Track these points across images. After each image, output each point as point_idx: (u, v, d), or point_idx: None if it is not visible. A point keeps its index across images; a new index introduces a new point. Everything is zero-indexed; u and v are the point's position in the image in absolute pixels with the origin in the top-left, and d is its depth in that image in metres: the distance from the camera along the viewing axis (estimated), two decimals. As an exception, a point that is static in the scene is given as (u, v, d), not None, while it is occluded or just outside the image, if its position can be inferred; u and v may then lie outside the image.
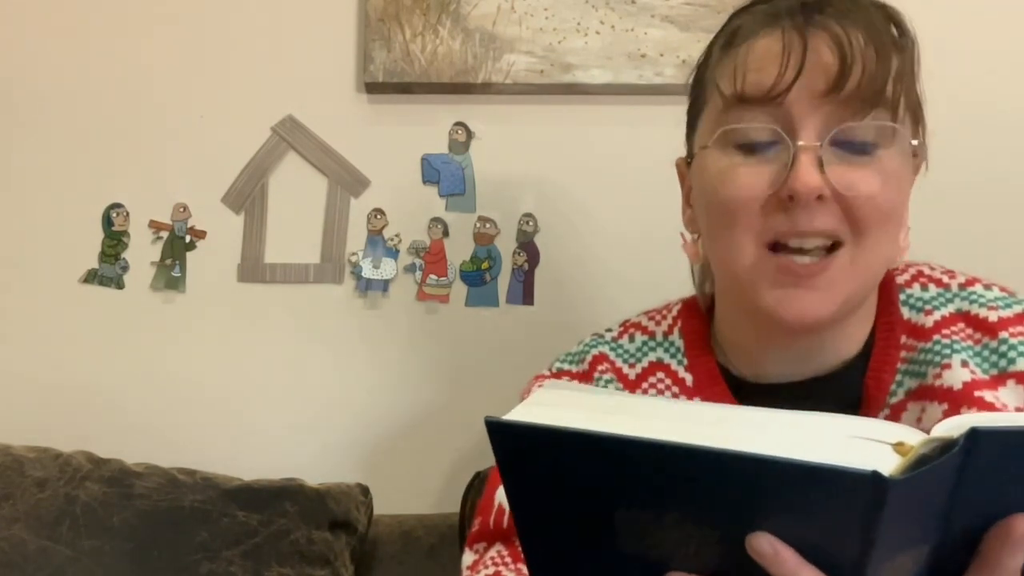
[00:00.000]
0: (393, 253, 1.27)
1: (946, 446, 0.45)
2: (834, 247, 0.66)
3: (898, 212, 0.69)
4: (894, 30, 0.68)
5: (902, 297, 0.74)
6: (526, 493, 0.54)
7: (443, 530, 1.16)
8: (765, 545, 0.48)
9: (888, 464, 0.44)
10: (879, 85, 0.65)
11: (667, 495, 0.49)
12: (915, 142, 0.69)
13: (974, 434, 0.44)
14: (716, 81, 0.70)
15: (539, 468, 0.52)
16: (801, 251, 0.66)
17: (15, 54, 1.29)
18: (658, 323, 0.82)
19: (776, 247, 0.67)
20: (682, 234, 0.80)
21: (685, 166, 0.78)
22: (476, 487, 1.12)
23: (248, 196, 1.28)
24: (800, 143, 0.65)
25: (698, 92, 0.75)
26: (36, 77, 1.29)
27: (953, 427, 0.45)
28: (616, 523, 0.51)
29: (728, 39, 0.71)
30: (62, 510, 1.07)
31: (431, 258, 1.27)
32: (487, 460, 1.20)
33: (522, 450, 0.52)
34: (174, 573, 1.05)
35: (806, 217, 0.65)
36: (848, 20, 0.66)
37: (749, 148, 0.67)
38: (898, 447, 0.46)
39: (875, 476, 0.43)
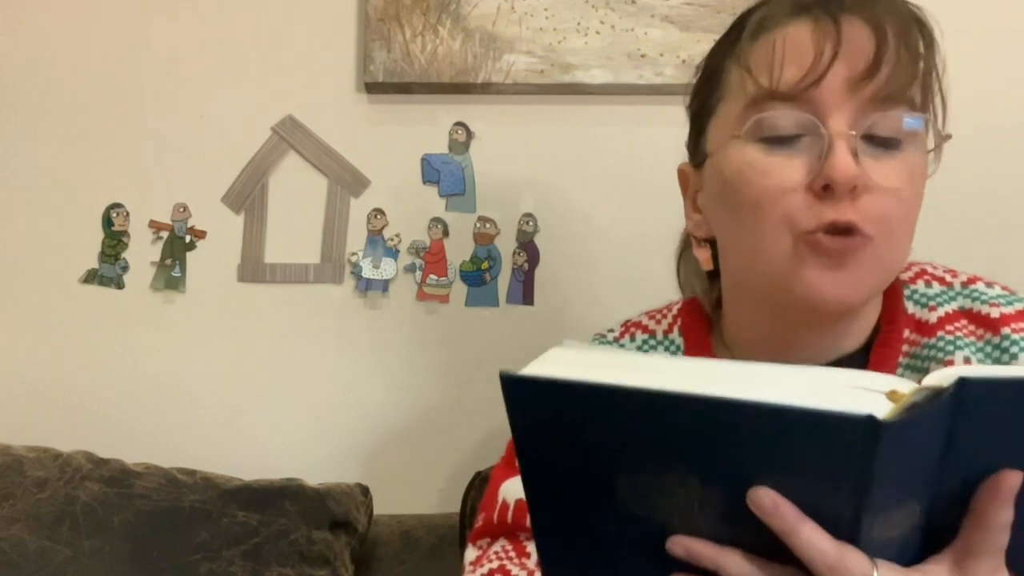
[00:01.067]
0: (393, 253, 1.27)
1: (937, 394, 0.46)
2: (863, 239, 0.66)
3: (917, 212, 0.69)
4: (921, 26, 0.68)
5: (906, 292, 0.74)
6: (537, 453, 0.55)
7: (443, 530, 1.16)
8: (765, 499, 0.48)
9: (881, 410, 0.46)
10: (912, 74, 0.65)
11: (672, 448, 0.50)
12: (948, 135, 0.69)
13: (963, 382, 0.46)
14: (741, 72, 0.69)
15: (551, 424, 0.53)
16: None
17: (15, 54, 1.29)
18: (658, 322, 0.82)
19: (807, 236, 0.66)
20: (692, 236, 0.79)
21: (691, 170, 0.77)
22: (476, 487, 1.12)
23: (248, 196, 1.28)
24: (834, 131, 0.64)
25: (711, 90, 0.73)
26: (36, 77, 1.29)
27: (944, 376, 0.47)
28: (622, 484, 0.52)
29: (755, 29, 0.69)
30: (62, 510, 1.07)
31: (431, 258, 1.27)
32: (487, 460, 1.21)
33: (535, 405, 0.53)
34: (174, 573, 1.05)
35: (840, 208, 0.64)
36: (877, 8, 0.66)
37: (779, 140, 0.66)
38: (891, 395, 0.47)
39: (870, 419, 0.44)
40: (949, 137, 0.69)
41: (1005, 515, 0.50)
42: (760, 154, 0.67)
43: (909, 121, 0.66)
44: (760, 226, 0.67)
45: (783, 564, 0.50)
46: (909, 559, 0.51)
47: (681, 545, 0.52)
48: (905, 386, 0.48)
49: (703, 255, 0.77)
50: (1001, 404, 0.48)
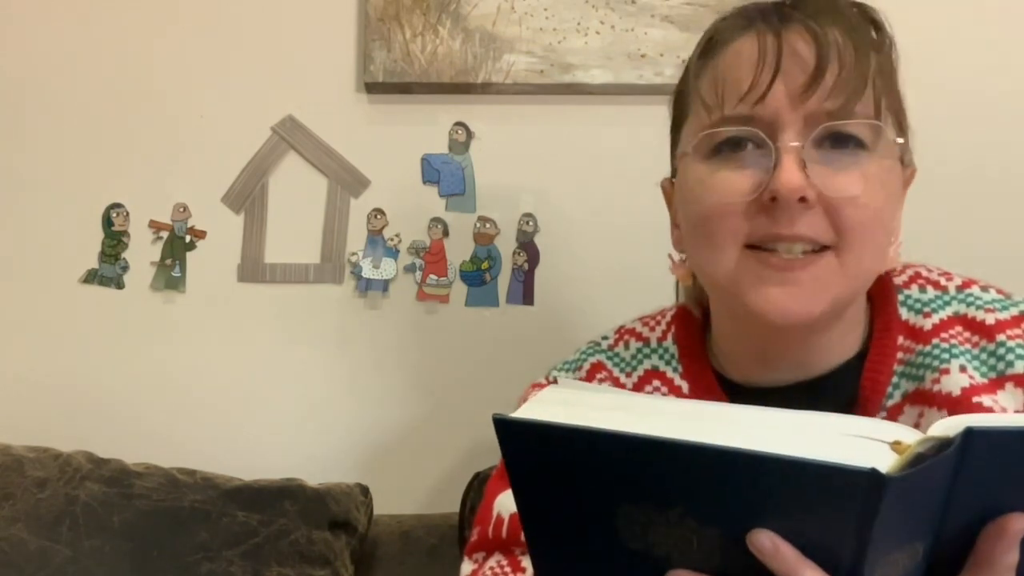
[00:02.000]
0: (393, 253, 1.27)
1: (942, 445, 0.46)
2: (819, 251, 0.65)
3: (884, 219, 0.67)
4: (872, 28, 0.68)
5: (900, 298, 0.73)
6: (532, 490, 0.55)
7: (443, 530, 1.16)
8: (765, 541, 0.48)
9: (885, 462, 0.45)
10: (858, 80, 0.64)
11: (670, 492, 0.50)
12: (900, 140, 0.68)
13: (969, 433, 0.45)
14: (696, 91, 0.69)
15: (546, 465, 0.53)
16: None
17: (15, 54, 1.29)
18: (652, 329, 0.81)
19: (756, 249, 0.66)
20: (670, 255, 0.79)
21: (670, 186, 0.77)
22: (476, 487, 1.12)
23: (248, 196, 1.28)
24: (781, 144, 0.64)
25: (680, 106, 0.74)
26: (36, 78, 1.29)
27: (949, 427, 0.46)
28: (620, 520, 0.52)
29: (704, 49, 0.70)
30: (62, 510, 1.07)
31: (431, 258, 1.27)
32: (487, 460, 1.21)
33: (529, 447, 0.53)
34: (174, 573, 1.05)
35: (788, 221, 0.64)
36: (823, 17, 0.65)
37: (730, 154, 0.66)
38: (895, 446, 0.46)
39: (873, 473, 0.43)
40: (900, 141, 0.68)
41: (1011, 557, 0.49)
42: (709, 170, 0.67)
43: (861, 123, 0.65)
44: (712, 241, 0.67)
45: None
46: None
47: None
48: (910, 436, 0.47)
49: (680, 271, 0.77)
50: (1007, 452, 0.47)
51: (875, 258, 0.68)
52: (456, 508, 1.14)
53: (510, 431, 0.53)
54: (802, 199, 0.63)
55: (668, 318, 0.81)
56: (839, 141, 0.65)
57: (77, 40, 1.29)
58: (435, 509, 1.23)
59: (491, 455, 1.24)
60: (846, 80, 0.64)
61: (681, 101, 0.74)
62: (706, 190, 0.67)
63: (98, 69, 1.29)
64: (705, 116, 0.68)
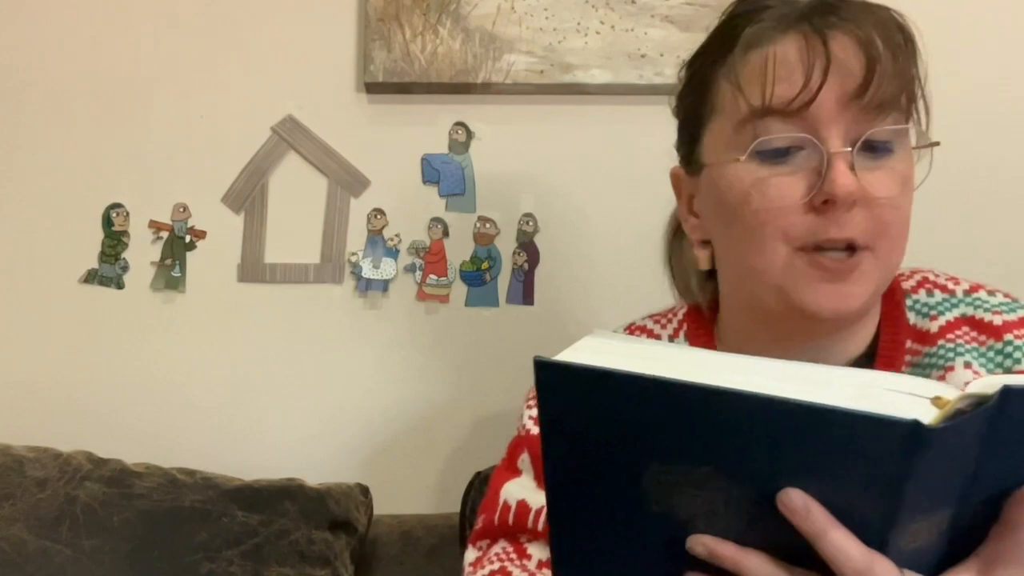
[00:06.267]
0: (393, 253, 1.27)
1: (980, 402, 0.46)
2: (856, 249, 0.67)
3: (909, 216, 0.70)
4: (901, 34, 0.69)
5: (908, 302, 0.75)
6: (563, 441, 0.54)
7: (443, 530, 1.16)
8: (797, 500, 0.48)
9: (927, 416, 0.45)
10: (899, 88, 0.67)
11: (705, 445, 0.49)
12: (936, 141, 0.70)
13: (1007, 392, 0.46)
14: (734, 87, 0.69)
15: (581, 413, 0.52)
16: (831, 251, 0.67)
17: (15, 55, 1.29)
18: (664, 327, 0.82)
19: (805, 249, 0.68)
20: (690, 238, 0.79)
21: (684, 175, 0.77)
22: (476, 487, 1.12)
23: (248, 196, 1.28)
24: (832, 148, 0.66)
25: (700, 101, 0.74)
26: (36, 77, 1.29)
27: (988, 384, 0.47)
28: (647, 481, 0.52)
29: (746, 44, 0.70)
30: (62, 510, 1.07)
31: (431, 258, 1.27)
32: (487, 460, 1.21)
33: (568, 393, 0.52)
34: (174, 573, 1.05)
35: (838, 224, 0.66)
36: (864, 22, 0.67)
37: (776, 156, 0.67)
38: (936, 401, 0.47)
39: (916, 424, 0.44)
40: (937, 143, 0.70)
41: None
42: (759, 172, 0.68)
43: (898, 130, 0.68)
44: (759, 240, 0.68)
45: (806, 570, 0.49)
46: (931, 566, 0.51)
47: (703, 544, 0.51)
48: (950, 392, 0.48)
49: (703, 255, 0.77)
50: None
51: (901, 252, 0.71)
52: (456, 508, 1.14)
53: (550, 374, 0.52)
54: (853, 202, 0.65)
55: (680, 316, 0.82)
56: (880, 143, 0.67)
57: (77, 40, 1.29)
58: (435, 509, 1.23)
59: (492, 455, 1.24)
60: (888, 85, 0.66)
61: (704, 95, 0.73)
62: (757, 192, 0.68)
63: (98, 69, 1.29)
64: (747, 112, 0.68)
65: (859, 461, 0.46)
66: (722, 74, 0.71)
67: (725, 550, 0.51)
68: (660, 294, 0.89)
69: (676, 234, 0.85)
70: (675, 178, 0.79)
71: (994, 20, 1.25)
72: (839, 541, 0.47)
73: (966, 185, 1.21)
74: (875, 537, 0.48)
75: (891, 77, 0.66)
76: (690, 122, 0.75)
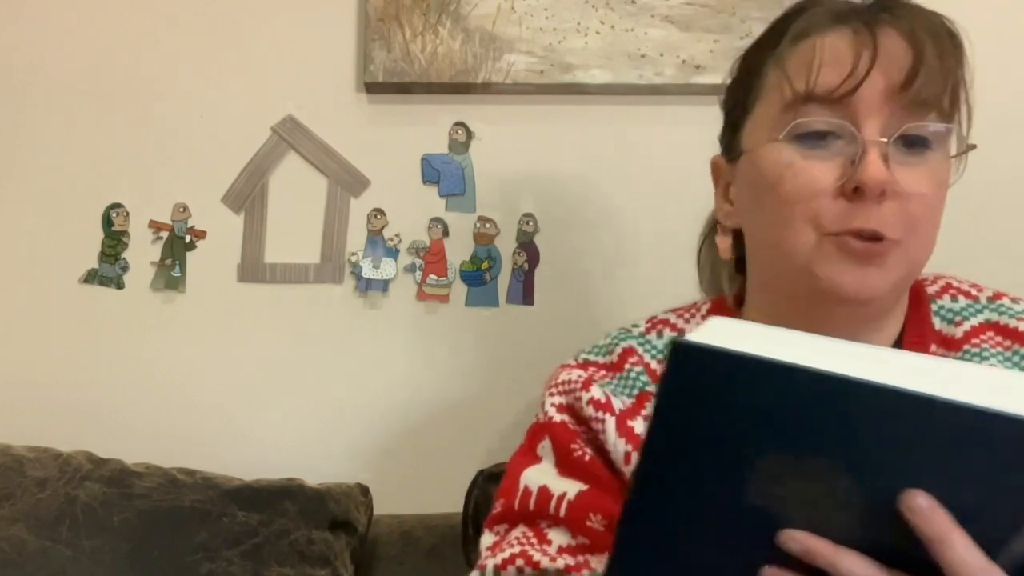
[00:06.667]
0: (393, 253, 1.27)
1: None
2: (883, 240, 0.68)
3: (940, 214, 0.71)
4: (950, 39, 0.70)
5: (933, 308, 0.76)
6: (678, 423, 0.52)
7: (443, 530, 1.16)
8: (923, 501, 0.47)
9: None
10: (942, 88, 0.68)
11: (835, 436, 0.48)
12: (973, 144, 0.71)
13: None
14: (781, 75, 0.71)
15: (709, 396, 0.51)
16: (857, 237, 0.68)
17: (15, 55, 1.29)
18: (687, 320, 0.82)
19: (834, 235, 0.68)
20: (719, 225, 0.80)
21: (724, 163, 0.79)
22: (480, 484, 1.12)
23: (248, 196, 1.28)
24: (868, 137, 0.67)
25: (747, 89, 0.75)
26: (36, 78, 1.29)
27: None
28: (755, 469, 0.50)
29: (796, 35, 0.72)
30: (62, 510, 1.07)
31: (431, 258, 1.27)
32: (487, 459, 1.21)
33: (701, 375, 0.51)
34: (174, 573, 1.05)
35: (865, 214, 0.67)
36: (915, 21, 0.68)
37: (813, 141, 0.69)
38: None
39: None
40: (974, 146, 0.71)
41: None
42: (795, 155, 0.69)
43: (937, 128, 0.68)
44: (788, 221, 0.69)
45: (904, 573, 0.49)
46: None
47: (798, 540, 0.50)
48: None
49: (724, 243, 0.79)
50: None
51: (930, 248, 0.71)
52: (457, 508, 1.14)
53: (687, 355, 0.50)
54: (882, 192, 0.66)
55: (704, 310, 0.83)
56: (915, 140, 0.68)
57: (77, 40, 1.29)
58: (435, 509, 1.23)
59: (492, 455, 1.24)
60: (932, 83, 0.67)
61: (752, 83, 0.75)
62: (791, 173, 0.69)
63: (98, 69, 1.29)
64: (790, 103, 0.70)
65: (999, 466, 0.45)
66: (770, 63, 0.73)
67: (821, 547, 0.50)
68: (660, 293, 0.89)
69: (710, 236, 0.87)
70: (714, 166, 0.81)
71: None
72: (961, 547, 0.47)
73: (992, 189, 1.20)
74: (992, 545, 0.47)
75: (936, 76, 0.67)
76: (735, 111, 0.77)
